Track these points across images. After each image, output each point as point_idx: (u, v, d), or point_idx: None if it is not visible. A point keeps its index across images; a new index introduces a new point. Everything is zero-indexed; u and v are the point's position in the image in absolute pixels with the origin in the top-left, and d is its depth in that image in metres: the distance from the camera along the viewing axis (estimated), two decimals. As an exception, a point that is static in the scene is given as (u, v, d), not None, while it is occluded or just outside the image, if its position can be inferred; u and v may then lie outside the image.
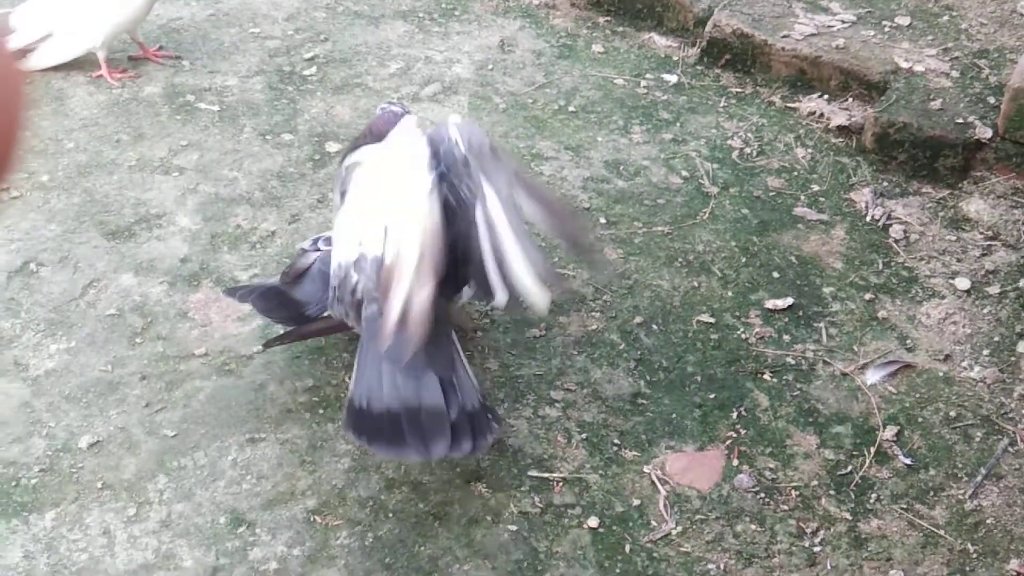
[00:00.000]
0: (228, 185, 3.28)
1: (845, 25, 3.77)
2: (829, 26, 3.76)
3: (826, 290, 3.06)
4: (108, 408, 2.65)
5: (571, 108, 3.68)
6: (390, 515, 2.46)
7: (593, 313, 2.96)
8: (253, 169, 3.33)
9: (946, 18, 3.85)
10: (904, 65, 3.58)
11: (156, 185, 3.27)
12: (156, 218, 3.16)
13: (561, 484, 2.55)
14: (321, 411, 2.66)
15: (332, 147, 3.40)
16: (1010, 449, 2.64)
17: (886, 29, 3.77)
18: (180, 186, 3.27)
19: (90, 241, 3.07)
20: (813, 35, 3.72)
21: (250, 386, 2.71)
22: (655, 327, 2.94)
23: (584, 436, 2.65)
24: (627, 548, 2.44)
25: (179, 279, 2.98)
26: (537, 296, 2.28)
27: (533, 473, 2.57)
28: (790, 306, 3.01)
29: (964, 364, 2.85)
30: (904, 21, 3.82)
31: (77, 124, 3.46)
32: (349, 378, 2.72)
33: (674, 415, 2.72)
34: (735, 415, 2.72)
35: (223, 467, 2.53)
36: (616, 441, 2.65)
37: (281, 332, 2.71)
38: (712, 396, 2.77)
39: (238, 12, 4.00)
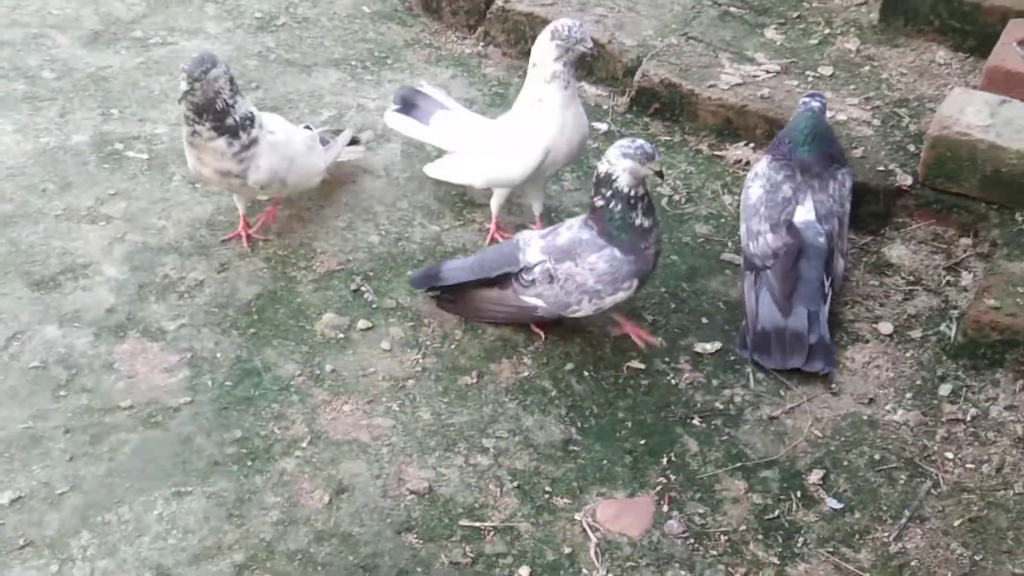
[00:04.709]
0: (156, 234, 3.26)
1: (770, 75, 3.85)
2: (754, 76, 3.84)
3: (754, 335, 3.09)
4: (31, 462, 2.60)
5: (503, 156, 3.70)
6: (319, 568, 2.44)
7: (525, 360, 2.98)
8: (182, 218, 3.31)
9: (867, 68, 3.95)
10: (827, 114, 3.66)
11: (83, 234, 3.23)
12: (82, 268, 3.12)
13: (492, 533, 2.54)
14: (250, 463, 2.64)
15: (262, 195, 3.39)
16: (933, 491, 2.68)
17: (809, 79, 3.86)
18: (107, 235, 3.23)
19: (14, 292, 3.02)
20: (739, 85, 3.80)
21: (176, 438, 2.68)
22: (586, 373, 2.95)
23: (516, 484, 2.65)
24: (558, 597, 2.44)
25: (105, 330, 2.94)
26: None
27: (464, 522, 2.56)
28: (718, 350, 3.04)
29: (888, 407, 2.90)
30: (827, 71, 3.91)
31: (3, 173, 3.42)
32: (279, 428, 2.71)
33: (605, 461, 2.73)
34: (665, 461, 2.74)
35: (148, 522, 2.49)
36: (548, 489, 2.65)
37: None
38: (642, 442, 2.78)
39: (168, 60, 3.99)
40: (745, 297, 3.11)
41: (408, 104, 3.47)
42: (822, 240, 3.14)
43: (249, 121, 3.00)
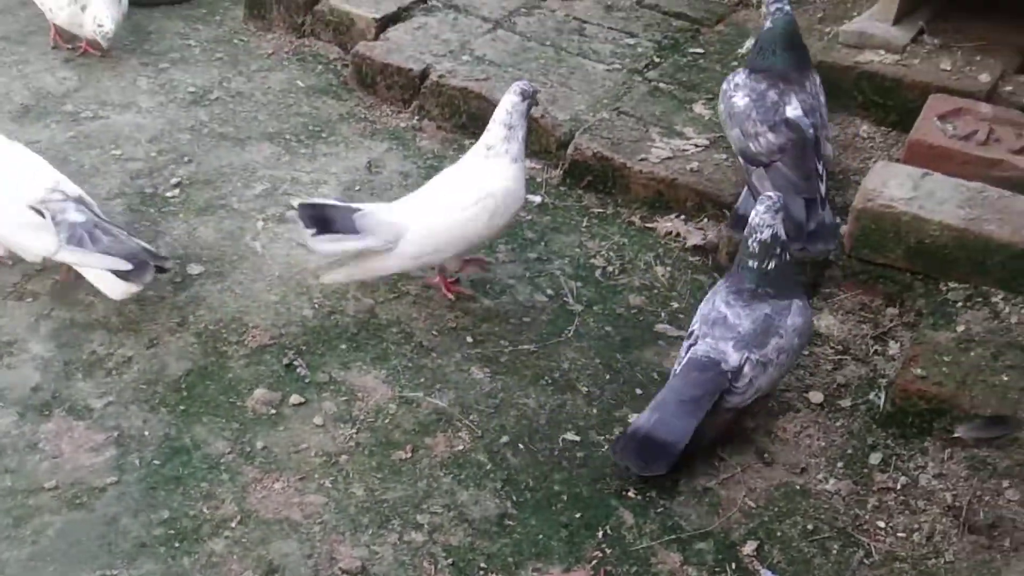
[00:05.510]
0: (84, 310, 3.21)
1: (699, 149, 3.93)
2: (684, 150, 3.91)
3: (687, 406, 3.11)
4: (-51, 548, 2.52)
5: (437, 229, 3.71)
6: (249, 652, 2.38)
7: (460, 433, 2.96)
8: (111, 293, 3.27)
9: (794, 141, 4.04)
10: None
11: (8, 312, 3.18)
12: (7, 346, 3.06)
13: (427, 612, 2.51)
14: (177, 544, 2.57)
15: (194, 269, 3.36)
16: (865, 561, 2.70)
17: (738, 152, 3.95)
18: (33, 312, 3.18)
19: (-65, 370, 2.96)
20: (669, 158, 3.87)
21: (102, 519, 2.61)
22: (521, 446, 2.94)
23: (450, 561, 2.62)
24: (493, 676, 2.40)
25: (30, 409, 2.88)
26: None
27: (398, 602, 2.52)
28: (653, 422, 3.05)
29: (820, 477, 2.93)
30: (755, 144, 4.00)
31: (-74, 248, 3.36)
32: (208, 508, 2.66)
33: (540, 536, 2.71)
34: (601, 534, 2.73)
35: (71, 608, 2.42)
36: (483, 565, 2.62)
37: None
38: (578, 515, 2.77)
39: (99, 134, 3.97)
40: (755, 187, 3.47)
41: (324, 221, 3.11)
42: (812, 132, 3.52)
43: None
